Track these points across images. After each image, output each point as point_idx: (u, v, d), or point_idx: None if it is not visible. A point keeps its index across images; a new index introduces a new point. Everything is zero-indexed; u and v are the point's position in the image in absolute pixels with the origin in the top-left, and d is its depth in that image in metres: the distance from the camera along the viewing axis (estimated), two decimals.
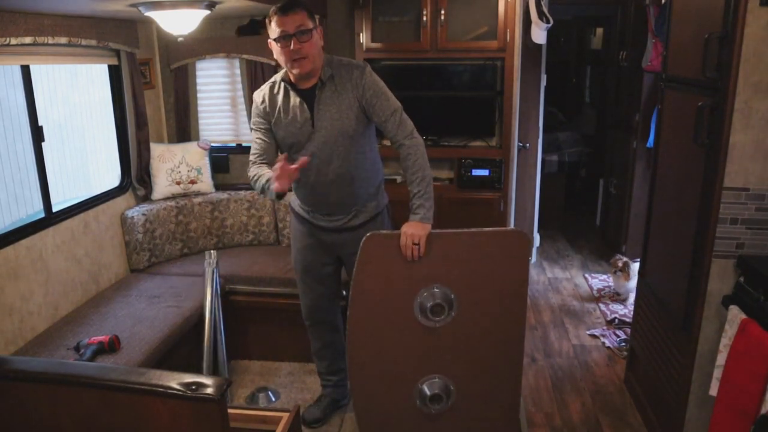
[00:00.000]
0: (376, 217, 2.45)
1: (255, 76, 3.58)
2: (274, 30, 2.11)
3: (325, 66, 2.23)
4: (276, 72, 3.52)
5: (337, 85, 2.22)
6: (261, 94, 2.34)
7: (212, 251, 3.10)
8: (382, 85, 2.24)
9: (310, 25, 2.13)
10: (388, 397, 2.32)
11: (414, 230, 2.06)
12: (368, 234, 2.13)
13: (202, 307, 2.95)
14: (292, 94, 2.26)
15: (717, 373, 2.05)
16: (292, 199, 2.55)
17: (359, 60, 3.56)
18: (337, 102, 2.22)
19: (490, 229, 2.20)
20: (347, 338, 2.25)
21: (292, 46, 2.09)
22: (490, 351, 2.27)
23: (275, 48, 2.16)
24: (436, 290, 2.17)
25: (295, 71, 2.17)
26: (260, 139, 2.33)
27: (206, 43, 3.58)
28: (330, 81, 2.22)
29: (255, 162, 2.32)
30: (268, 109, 2.31)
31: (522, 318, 2.26)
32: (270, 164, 2.27)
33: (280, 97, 2.28)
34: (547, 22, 3.66)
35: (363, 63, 2.31)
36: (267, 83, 2.36)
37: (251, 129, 2.38)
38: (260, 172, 2.23)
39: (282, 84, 2.28)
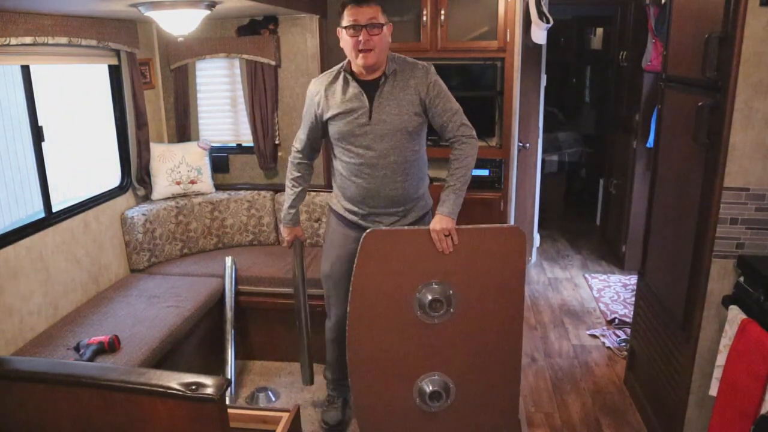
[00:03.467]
0: (424, 216, 2.48)
1: (255, 76, 3.58)
2: (346, 19, 2.17)
3: (390, 61, 2.28)
4: (276, 72, 3.59)
5: (399, 81, 2.27)
6: (317, 83, 2.38)
7: (229, 257, 3.23)
8: (444, 86, 2.32)
9: (382, 20, 2.20)
10: (388, 394, 2.33)
11: (443, 224, 2.16)
12: (368, 230, 2.17)
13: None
14: (352, 84, 2.28)
15: (717, 373, 2.05)
16: (333, 202, 2.51)
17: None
18: (398, 97, 2.26)
19: (488, 225, 2.24)
20: (347, 335, 2.26)
21: (361, 37, 2.14)
22: (488, 347, 2.30)
23: (343, 36, 2.22)
24: (435, 286, 2.20)
25: (359, 62, 2.20)
26: (304, 134, 2.49)
27: (206, 43, 3.58)
28: (393, 76, 2.27)
29: (294, 159, 2.54)
30: (321, 99, 2.34)
31: (520, 313, 2.29)
32: (309, 160, 2.54)
33: (338, 87, 2.31)
34: (547, 22, 3.66)
35: (428, 63, 2.36)
36: (326, 73, 2.39)
37: (303, 116, 2.49)
38: (292, 189, 2.54)
39: (342, 74, 2.31)
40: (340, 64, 2.35)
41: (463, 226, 2.20)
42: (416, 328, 2.24)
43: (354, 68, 2.28)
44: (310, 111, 2.40)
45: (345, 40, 2.21)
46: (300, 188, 2.54)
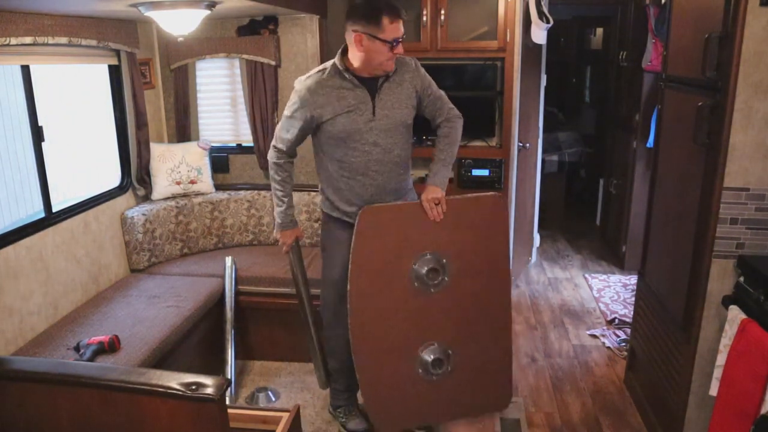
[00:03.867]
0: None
1: (255, 76, 3.58)
2: (388, 32, 2.15)
3: None
4: (276, 72, 3.59)
5: (396, 76, 2.32)
6: (309, 82, 2.29)
7: (229, 257, 3.23)
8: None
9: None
10: (391, 368, 2.41)
11: (433, 194, 2.31)
12: (364, 207, 2.27)
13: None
14: (352, 82, 2.26)
15: (717, 373, 2.05)
16: (328, 207, 2.45)
17: None
18: (397, 92, 2.32)
19: (470, 195, 2.42)
20: (349, 312, 2.30)
21: (398, 49, 2.20)
22: (480, 312, 2.46)
23: (375, 46, 2.17)
24: (428, 257, 2.33)
25: (385, 68, 2.24)
26: (291, 134, 2.37)
27: (206, 43, 3.58)
28: (392, 73, 2.31)
29: (281, 159, 2.43)
30: (318, 99, 2.26)
31: (507, 278, 2.50)
32: (292, 159, 2.46)
33: (335, 86, 2.26)
34: (547, 22, 3.66)
35: (413, 57, 2.40)
36: (314, 73, 2.32)
37: (285, 116, 2.35)
38: (283, 192, 2.44)
39: (338, 72, 2.26)
40: (328, 63, 2.30)
41: (448, 197, 2.33)
42: (414, 300, 2.35)
43: (358, 67, 2.24)
44: (303, 111, 2.29)
45: (377, 50, 2.17)
46: (290, 188, 2.48)
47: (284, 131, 2.38)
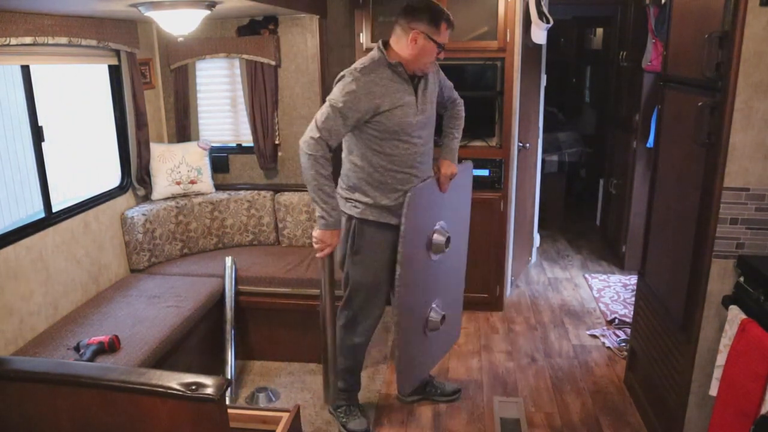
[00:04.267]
0: None
1: (255, 76, 3.58)
2: (442, 36, 2.32)
3: None
4: (276, 72, 3.59)
5: (428, 75, 2.46)
6: (371, 75, 2.27)
7: (229, 257, 3.23)
8: None
9: None
10: (417, 333, 2.65)
11: (451, 169, 2.53)
12: (413, 189, 2.38)
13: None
14: (402, 76, 2.34)
15: (717, 373, 2.05)
16: (365, 211, 2.41)
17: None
18: (429, 90, 2.46)
19: (459, 165, 2.65)
20: (400, 292, 2.40)
21: (440, 54, 2.36)
22: (456, 267, 2.83)
23: (427, 46, 2.30)
24: (438, 227, 2.56)
25: (426, 68, 2.38)
26: (345, 128, 2.30)
27: (206, 43, 3.59)
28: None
29: (326, 154, 2.27)
30: (377, 90, 2.26)
31: (467, 234, 2.87)
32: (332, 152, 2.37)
33: (389, 79, 2.31)
34: (547, 22, 3.66)
35: None
36: (368, 64, 2.30)
37: (338, 107, 2.24)
38: (331, 188, 2.31)
39: (390, 67, 2.31)
40: (376, 57, 2.32)
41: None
42: (427, 268, 2.60)
43: (405, 64, 2.33)
44: (365, 101, 2.24)
45: (429, 50, 2.31)
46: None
47: (339, 123, 2.25)
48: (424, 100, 2.41)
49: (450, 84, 2.63)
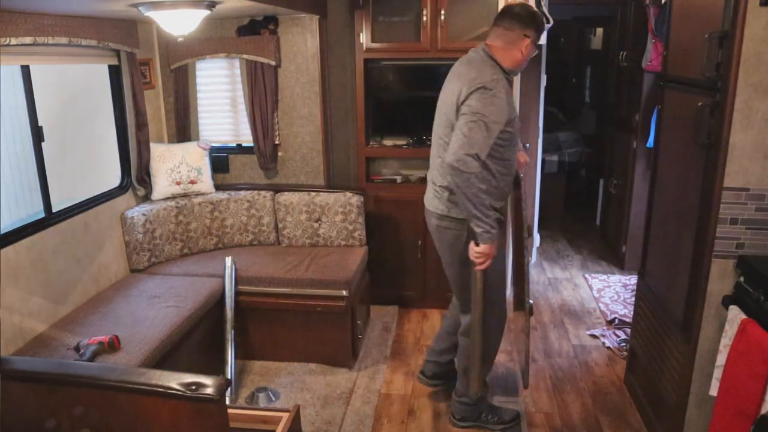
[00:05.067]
0: None
1: (255, 76, 3.58)
2: (541, 38, 2.44)
3: None
4: (276, 72, 3.59)
5: None
6: (503, 89, 2.27)
7: (229, 257, 3.23)
8: None
9: None
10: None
11: (525, 158, 2.72)
12: (519, 178, 2.55)
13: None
14: (511, 84, 2.43)
15: (717, 373, 2.05)
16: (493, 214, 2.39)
17: (359, 60, 3.59)
18: None
19: None
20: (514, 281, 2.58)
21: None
22: None
23: (530, 49, 2.37)
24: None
25: (519, 69, 2.45)
26: (491, 138, 2.24)
27: (206, 43, 3.58)
28: None
29: (479, 171, 2.23)
30: (510, 103, 2.31)
31: None
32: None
33: (509, 89, 2.36)
34: (547, 22, 3.66)
35: None
36: (496, 78, 2.28)
37: (489, 122, 2.22)
38: (489, 206, 2.29)
39: (505, 74, 2.35)
40: (495, 66, 2.33)
41: None
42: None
43: (507, 69, 2.37)
44: (506, 114, 2.25)
45: (530, 56, 2.38)
46: None
47: (489, 135, 2.23)
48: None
49: None
